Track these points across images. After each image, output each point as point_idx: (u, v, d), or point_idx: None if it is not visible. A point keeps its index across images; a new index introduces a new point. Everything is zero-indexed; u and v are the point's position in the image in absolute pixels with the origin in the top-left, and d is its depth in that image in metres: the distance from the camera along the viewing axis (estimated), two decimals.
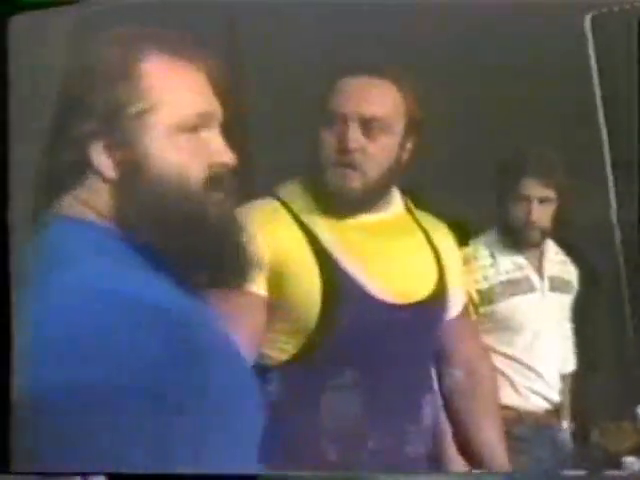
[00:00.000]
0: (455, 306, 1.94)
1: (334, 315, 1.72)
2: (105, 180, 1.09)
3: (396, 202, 1.87)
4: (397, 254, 1.80)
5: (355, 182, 1.74)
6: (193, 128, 1.10)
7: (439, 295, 1.85)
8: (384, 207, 1.83)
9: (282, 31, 2.56)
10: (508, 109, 2.75)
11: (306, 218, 1.77)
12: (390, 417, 1.78)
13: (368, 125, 1.74)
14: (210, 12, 2.16)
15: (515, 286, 2.44)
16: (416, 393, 1.84)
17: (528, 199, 2.41)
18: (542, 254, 2.50)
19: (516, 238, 2.46)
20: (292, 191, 1.82)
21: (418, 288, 1.81)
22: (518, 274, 2.46)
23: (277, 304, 1.74)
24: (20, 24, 1.29)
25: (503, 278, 2.44)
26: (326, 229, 1.77)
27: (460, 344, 1.94)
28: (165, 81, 1.10)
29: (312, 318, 1.71)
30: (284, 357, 1.75)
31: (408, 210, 1.91)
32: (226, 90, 1.16)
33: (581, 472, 2.30)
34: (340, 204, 1.77)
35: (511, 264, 2.46)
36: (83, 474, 0.97)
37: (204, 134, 1.12)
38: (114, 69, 1.09)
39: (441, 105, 2.79)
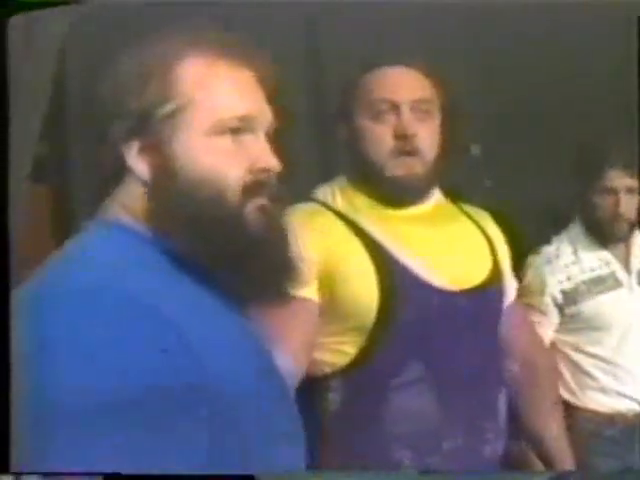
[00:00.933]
0: (509, 294, 1.87)
1: (393, 308, 1.64)
2: (141, 183, 1.06)
3: (437, 192, 1.82)
4: (449, 241, 1.74)
5: (417, 168, 1.71)
6: (233, 131, 1.06)
7: (496, 279, 1.78)
8: (427, 198, 1.78)
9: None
10: (587, 100, 2.66)
11: (352, 215, 1.72)
12: (464, 413, 1.67)
13: (417, 109, 1.71)
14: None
15: (601, 283, 2.33)
16: (489, 386, 1.74)
17: (615, 191, 2.30)
18: (629, 247, 2.38)
19: (602, 232, 2.35)
20: (331, 191, 1.77)
21: (475, 273, 1.74)
22: (604, 270, 2.35)
23: (331, 306, 1.66)
24: (20, 24, 1.27)
25: (587, 276, 2.34)
26: (374, 223, 1.71)
27: (513, 333, 1.85)
28: (203, 81, 1.06)
29: (370, 314, 1.64)
30: (344, 361, 1.67)
31: (449, 199, 1.85)
32: (277, 94, 1.13)
33: None
34: (400, 193, 1.72)
35: (596, 260, 2.36)
36: (82, 474, 0.92)
37: (246, 137, 1.07)
38: (149, 69, 1.06)
39: (518, 98, 2.72)
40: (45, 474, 0.93)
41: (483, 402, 1.72)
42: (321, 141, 2.72)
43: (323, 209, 1.74)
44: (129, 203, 1.07)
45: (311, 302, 1.66)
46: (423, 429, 1.66)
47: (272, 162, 1.08)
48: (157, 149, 1.05)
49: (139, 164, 1.06)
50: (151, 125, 1.05)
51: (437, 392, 1.65)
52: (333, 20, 2.50)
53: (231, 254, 1.05)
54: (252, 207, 1.06)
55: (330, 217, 1.72)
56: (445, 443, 1.66)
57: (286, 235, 1.12)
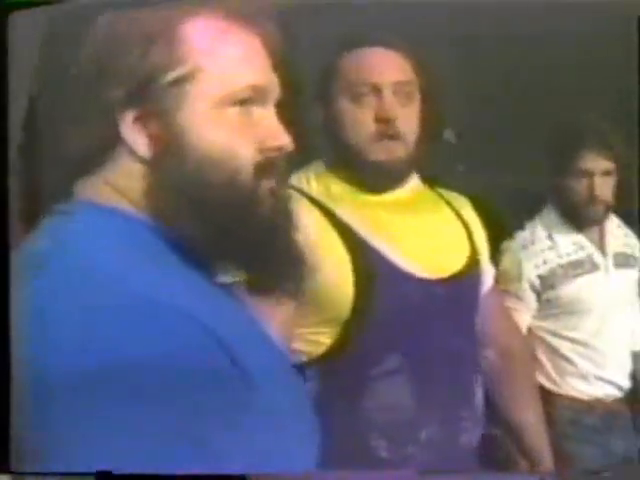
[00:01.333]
0: (487, 281, 1.84)
1: (369, 297, 1.60)
2: (137, 159, 0.94)
3: (415, 177, 1.77)
4: (427, 228, 1.71)
5: (399, 152, 1.66)
6: (242, 103, 0.95)
7: (474, 266, 1.75)
8: (406, 182, 1.73)
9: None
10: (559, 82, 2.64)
11: (327, 202, 1.67)
12: (442, 402, 1.65)
13: (399, 91, 1.66)
14: None
15: (578, 267, 2.30)
16: (466, 374, 1.71)
17: (590, 173, 2.27)
18: (603, 230, 2.36)
19: (577, 216, 2.32)
20: (306, 177, 1.72)
21: (453, 260, 1.71)
22: (580, 254, 2.32)
23: (306, 297, 1.60)
24: (20, 21, 1.21)
25: (564, 260, 2.31)
26: (350, 210, 1.66)
27: (490, 321, 1.82)
28: (212, 46, 0.94)
29: (346, 303, 1.60)
30: (320, 350, 1.63)
31: (427, 185, 1.81)
32: (283, 62, 1.02)
33: None
34: (381, 178, 1.68)
35: (571, 244, 2.33)
36: (83, 474, 0.85)
37: (256, 111, 0.97)
38: (149, 30, 0.94)
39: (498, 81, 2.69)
40: (45, 474, 0.86)
41: (460, 391, 1.69)
42: (297, 125, 2.68)
43: (298, 196, 1.67)
44: (121, 183, 0.95)
45: None
46: (401, 419, 1.62)
47: (284, 139, 0.98)
48: (158, 121, 0.93)
49: (136, 137, 0.93)
50: (153, 93, 0.93)
51: (415, 382, 1.62)
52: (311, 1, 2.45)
53: (240, 244, 0.96)
54: (264, 190, 0.96)
55: (305, 204, 1.66)
56: (423, 433, 1.63)
57: (294, 221, 1.03)
